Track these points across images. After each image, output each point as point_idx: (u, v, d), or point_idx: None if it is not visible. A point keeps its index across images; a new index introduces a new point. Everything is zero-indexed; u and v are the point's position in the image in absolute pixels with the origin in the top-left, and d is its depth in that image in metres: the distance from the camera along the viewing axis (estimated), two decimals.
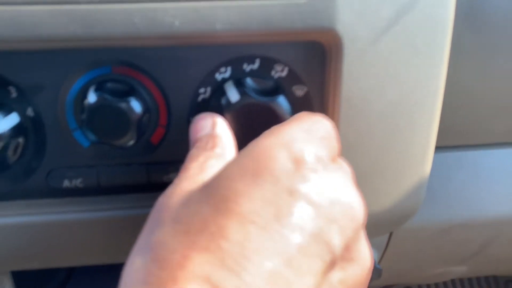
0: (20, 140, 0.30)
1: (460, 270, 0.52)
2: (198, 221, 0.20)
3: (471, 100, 0.41)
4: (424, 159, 0.33)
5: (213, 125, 0.27)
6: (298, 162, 0.22)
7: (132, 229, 0.26)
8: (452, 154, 0.44)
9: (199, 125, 0.27)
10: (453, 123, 0.42)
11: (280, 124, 0.24)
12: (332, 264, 0.21)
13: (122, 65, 0.29)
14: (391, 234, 0.44)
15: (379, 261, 0.45)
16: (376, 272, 0.44)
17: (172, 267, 0.19)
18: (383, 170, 0.32)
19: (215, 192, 0.21)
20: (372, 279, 0.45)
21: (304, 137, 0.23)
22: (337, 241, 0.21)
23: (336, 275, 0.22)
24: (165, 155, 0.32)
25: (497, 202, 0.44)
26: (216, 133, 0.26)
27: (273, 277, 0.19)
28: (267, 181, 0.21)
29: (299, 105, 0.31)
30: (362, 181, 0.32)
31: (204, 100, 0.30)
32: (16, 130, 0.29)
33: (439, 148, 0.38)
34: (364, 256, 0.23)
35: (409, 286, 1.04)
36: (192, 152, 0.25)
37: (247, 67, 0.30)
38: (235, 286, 0.19)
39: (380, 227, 0.37)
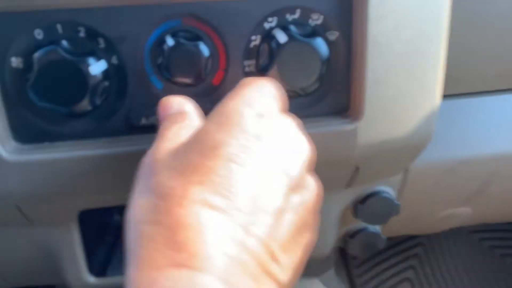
0: (106, 84, 0.36)
1: (465, 212, 0.58)
2: (190, 165, 0.26)
3: (470, 51, 0.48)
4: (435, 90, 0.40)
5: (182, 104, 0.33)
6: (259, 116, 0.29)
7: None
8: (453, 102, 0.51)
9: (168, 104, 0.33)
10: (453, 73, 0.49)
11: (238, 88, 0.31)
12: (292, 189, 0.28)
13: (190, 17, 0.35)
14: (406, 173, 0.51)
15: (397, 199, 0.52)
16: (395, 207, 0.51)
17: (175, 197, 0.26)
18: (402, 99, 0.39)
19: (199, 143, 0.27)
20: (392, 214, 0.52)
21: (260, 96, 0.30)
22: (294, 170, 0.29)
23: (296, 198, 0.29)
24: (225, 94, 0.38)
25: (493, 142, 0.51)
26: (185, 110, 0.33)
27: (254, 197, 0.26)
28: (239, 132, 0.27)
29: (332, 48, 0.37)
30: (387, 109, 0.39)
31: (255, 46, 0.37)
32: (104, 75, 0.35)
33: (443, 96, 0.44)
34: (314, 185, 0.31)
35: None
36: (165, 124, 0.31)
37: (289, 17, 0.37)
38: (227, 205, 0.25)
39: (400, 157, 0.43)
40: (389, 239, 0.58)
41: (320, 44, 0.36)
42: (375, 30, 0.36)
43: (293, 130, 0.30)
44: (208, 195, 0.25)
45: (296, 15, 0.37)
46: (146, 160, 0.29)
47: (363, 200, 0.50)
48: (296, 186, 0.29)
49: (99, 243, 0.57)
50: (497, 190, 0.55)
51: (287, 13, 0.36)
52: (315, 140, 0.39)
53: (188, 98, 0.33)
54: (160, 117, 0.33)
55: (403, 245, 1.16)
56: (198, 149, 0.27)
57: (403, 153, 0.42)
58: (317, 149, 0.40)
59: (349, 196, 0.50)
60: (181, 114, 0.32)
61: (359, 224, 0.55)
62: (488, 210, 0.59)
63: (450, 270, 1.16)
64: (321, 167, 0.42)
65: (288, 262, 0.28)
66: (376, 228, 0.55)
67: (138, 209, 0.27)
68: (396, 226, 0.59)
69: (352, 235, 0.55)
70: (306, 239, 0.30)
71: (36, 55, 0.33)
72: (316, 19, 0.37)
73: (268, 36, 0.37)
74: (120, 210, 0.64)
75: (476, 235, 1.17)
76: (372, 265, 1.17)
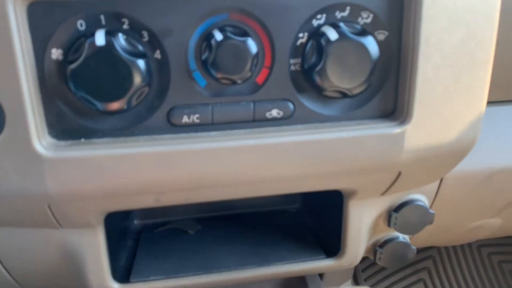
0: (147, 81, 0.34)
1: (495, 223, 0.57)
2: None
3: (509, 58, 0.47)
4: (482, 93, 0.38)
5: None
6: None
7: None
8: (491, 109, 0.49)
9: None
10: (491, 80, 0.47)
11: None
12: None
13: (238, 12, 0.34)
14: (441, 182, 0.49)
15: (430, 207, 0.50)
16: (430, 216, 0.49)
17: None
18: (450, 102, 0.38)
19: None
20: (427, 223, 0.50)
21: None
22: None
23: None
24: (268, 93, 0.36)
25: None
26: None
27: None
28: None
29: (381, 47, 0.36)
30: (435, 112, 0.38)
31: (301, 43, 0.36)
32: (147, 73, 0.34)
33: None
34: None
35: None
36: None
37: (338, 14, 0.35)
38: None
39: (443, 163, 0.42)
40: None
41: (372, 43, 0.35)
42: (427, 30, 0.35)
43: None
44: None
45: (346, 12, 0.35)
46: None
47: (397, 208, 0.49)
48: None
49: (120, 248, 0.55)
50: None
51: (336, 10, 0.35)
52: (360, 143, 0.38)
53: None
54: None
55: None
56: None
57: (447, 158, 0.41)
58: (361, 152, 0.38)
59: (382, 204, 0.49)
60: None
61: (389, 233, 0.53)
62: None
63: (460, 284, 1.15)
64: (363, 171, 0.41)
65: None
66: (406, 238, 0.53)
67: None
68: (424, 237, 0.57)
69: (381, 245, 0.53)
70: None
71: (89, 41, 0.31)
72: (365, 18, 0.36)
73: (316, 34, 0.35)
74: (140, 214, 0.62)
75: (485, 250, 1.16)
76: (382, 278, 1.15)
